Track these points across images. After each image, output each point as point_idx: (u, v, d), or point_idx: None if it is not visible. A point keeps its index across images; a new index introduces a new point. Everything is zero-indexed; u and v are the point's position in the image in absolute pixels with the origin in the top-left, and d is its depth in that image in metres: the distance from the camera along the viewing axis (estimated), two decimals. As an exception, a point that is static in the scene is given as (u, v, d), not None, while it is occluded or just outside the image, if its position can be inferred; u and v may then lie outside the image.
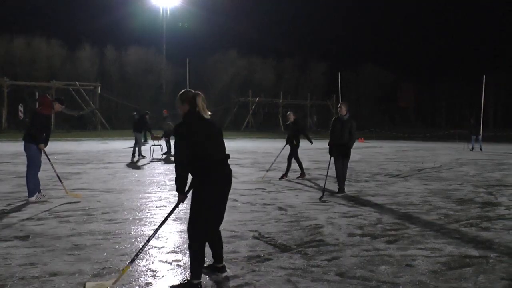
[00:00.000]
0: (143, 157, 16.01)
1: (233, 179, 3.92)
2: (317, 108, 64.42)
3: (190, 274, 3.77)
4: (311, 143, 11.16)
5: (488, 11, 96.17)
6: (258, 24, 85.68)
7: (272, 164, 11.75)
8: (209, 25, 67.63)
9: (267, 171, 11.24)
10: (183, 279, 3.91)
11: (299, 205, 7.36)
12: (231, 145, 25.50)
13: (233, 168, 4.02)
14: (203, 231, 3.73)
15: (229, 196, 3.92)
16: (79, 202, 7.37)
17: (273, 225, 5.94)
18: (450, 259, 4.60)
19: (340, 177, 8.53)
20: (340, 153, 8.45)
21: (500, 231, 5.79)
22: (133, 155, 15.97)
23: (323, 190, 8.36)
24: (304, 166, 11.06)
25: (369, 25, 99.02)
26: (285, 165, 10.80)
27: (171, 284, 3.81)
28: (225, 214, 3.98)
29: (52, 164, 7.79)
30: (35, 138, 7.28)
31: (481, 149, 21.40)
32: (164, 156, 16.41)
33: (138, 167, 12.99)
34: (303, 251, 4.80)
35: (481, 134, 22.16)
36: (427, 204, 7.59)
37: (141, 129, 16.55)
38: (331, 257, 4.61)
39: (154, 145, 16.63)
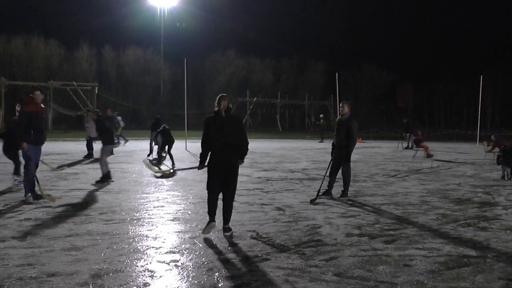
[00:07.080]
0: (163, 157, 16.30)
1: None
2: (315, 108, 64.36)
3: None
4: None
5: (486, 11, 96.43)
6: (256, 24, 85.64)
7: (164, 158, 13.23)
8: (207, 25, 67.61)
9: (161, 167, 12.37)
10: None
11: (297, 205, 7.36)
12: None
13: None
14: (208, 189, 5.52)
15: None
16: (77, 202, 7.36)
17: (271, 225, 5.94)
18: (448, 259, 4.62)
19: (343, 181, 8.16)
20: (338, 155, 8.10)
21: (498, 231, 5.81)
22: (151, 153, 16.52)
23: (318, 192, 8.01)
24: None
25: (367, 25, 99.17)
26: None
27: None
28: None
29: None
30: (19, 137, 7.30)
31: (412, 147, 22.54)
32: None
33: (136, 168, 12.97)
34: (301, 251, 4.81)
35: (412, 133, 23.44)
36: (425, 204, 7.60)
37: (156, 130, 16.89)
38: (329, 257, 4.62)
39: (155, 144, 16.84)
